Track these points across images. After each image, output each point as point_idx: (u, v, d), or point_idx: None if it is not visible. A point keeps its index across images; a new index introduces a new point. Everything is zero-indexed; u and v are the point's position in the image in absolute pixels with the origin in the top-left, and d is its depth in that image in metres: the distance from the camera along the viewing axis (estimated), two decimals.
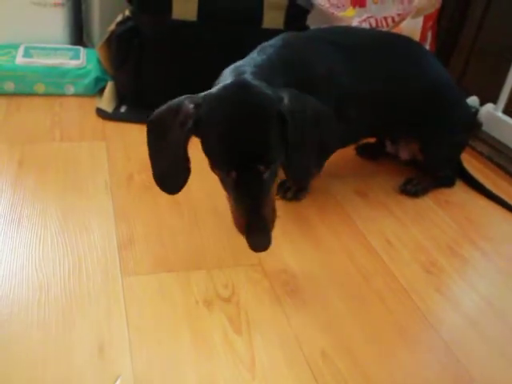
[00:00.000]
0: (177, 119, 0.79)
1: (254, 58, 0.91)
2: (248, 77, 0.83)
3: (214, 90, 0.82)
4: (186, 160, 0.81)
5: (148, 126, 0.83)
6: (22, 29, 1.50)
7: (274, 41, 0.97)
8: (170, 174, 0.85)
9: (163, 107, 0.83)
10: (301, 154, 0.83)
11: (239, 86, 0.81)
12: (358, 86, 1.01)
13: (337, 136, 0.91)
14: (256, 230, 0.77)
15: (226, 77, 0.86)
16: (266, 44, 0.96)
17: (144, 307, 0.78)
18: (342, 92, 1.00)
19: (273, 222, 0.81)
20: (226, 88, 0.81)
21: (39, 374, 0.67)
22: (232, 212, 0.82)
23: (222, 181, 0.82)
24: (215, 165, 0.80)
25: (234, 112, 0.78)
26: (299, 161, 0.83)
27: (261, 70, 0.86)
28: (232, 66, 0.89)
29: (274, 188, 0.84)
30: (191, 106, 0.78)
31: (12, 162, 1.10)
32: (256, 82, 0.81)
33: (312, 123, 0.83)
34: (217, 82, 0.88)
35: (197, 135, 0.80)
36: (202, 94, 0.81)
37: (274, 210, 0.82)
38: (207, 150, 0.80)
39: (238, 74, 0.85)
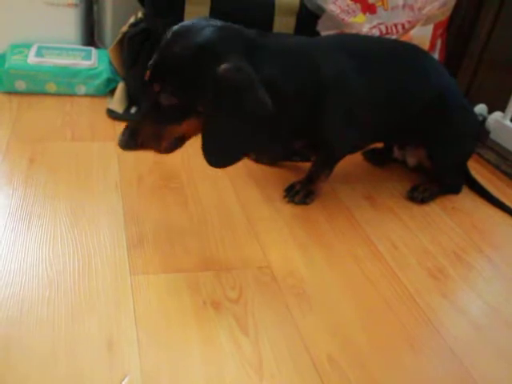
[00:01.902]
0: None
1: (267, 34, 0.93)
2: (231, 27, 0.87)
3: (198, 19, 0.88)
4: None
5: None
6: (35, 29, 1.52)
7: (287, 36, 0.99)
8: None
9: None
10: (217, 129, 0.84)
11: (210, 27, 0.84)
12: (366, 92, 1.01)
13: (265, 136, 0.89)
14: (125, 130, 0.86)
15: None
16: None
17: (152, 306, 0.79)
18: (351, 98, 1.00)
19: (147, 141, 0.86)
20: (196, 21, 0.86)
21: (48, 371, 0.67)
22: None
23: None
24: None
25: (176, 34, 0.84)
26: (213, 134, 0.84)
27: (254, 47, 0.87)
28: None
29: (173, 130, 0.86)
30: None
31: (23, 160, 1.11)
32: (225, 39, 0.84)
33: (240, 104, 0.82)
34: None
35: None
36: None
37: (159, 137, 0.86)
38: None
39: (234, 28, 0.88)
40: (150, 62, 0.84)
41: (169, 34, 0.85)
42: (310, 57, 0.96)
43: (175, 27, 0.86)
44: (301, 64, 0.94)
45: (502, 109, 1.41)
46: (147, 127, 0.85)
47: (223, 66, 0.80)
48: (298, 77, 0.93)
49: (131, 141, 0.85)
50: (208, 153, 0.85)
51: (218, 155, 0.86)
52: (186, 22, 0.87)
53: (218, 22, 0.87)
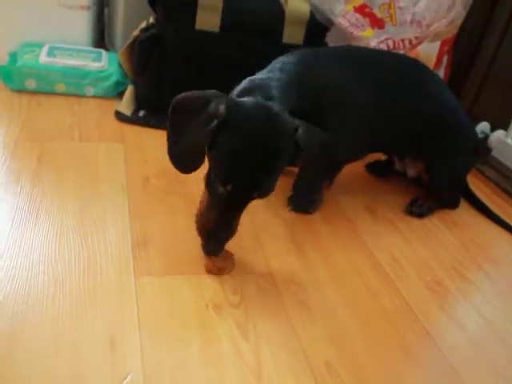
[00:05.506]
0: (204, 111, 0.78)
1: (277, 76, 0.91)
2: (275, 96, 0.84)
3: (244, 99, 0.82)
4: (203, 151, 0.80)
5: (173, 105, 0.81)
6: (47, 29, 1.53)
7: (291, 57, 0.98)
8: (186, 157, 0.83)
9: (191, 93, 0.81)
10: (307, 183, 0.88)
11: (267, 108, 0.81)
12: (367, 104, 1.03)
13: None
14: (216, 239, 0.84)
15: (251, 90, 0.86)
16: (284, 60, 0.97)
17: (155, 307, 0.80)
18: (353, 108, 1.02)
19: (234, 233, 0.86)
20: (254, 104, 0.81)
21: (51, 366, 0.68)
22: (201, 209, 0.85)
23: (210, 181, 0.83)
24: (216, 171, 0.80)
25: (255, 133, 0.78)
26: (304, 189, 0.90)
27: (283, 92, 0.87)
28: (255, 80, 0.89)
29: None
30: (222, 106, 0.77)
31: (32, 158, 1.13)
32: (278, 108, 0.82)
33: (320, 153, 0.86)
34: (236, 91, 0.89)
35: (215, 135, 0.78)
36: (233, 98, 0.83)
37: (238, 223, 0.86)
38: (217, 153, 0.80)
39: (264, 92, 0.85)
40: (236, 171, 0.78)
41: (243, 133, 0.78)
42: (316, 75, 0.98)
43: (244, 123, 0.78)
44: (294, 84, 0.94)
45: (505, 127, 1.43)
46: (234, 228, 0.85)
47: (301, 131, 0.81)
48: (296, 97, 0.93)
49: (222, 246, 0.86)
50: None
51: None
52: (249, 111, 0.80)
53: (258, 91, 0.85)
